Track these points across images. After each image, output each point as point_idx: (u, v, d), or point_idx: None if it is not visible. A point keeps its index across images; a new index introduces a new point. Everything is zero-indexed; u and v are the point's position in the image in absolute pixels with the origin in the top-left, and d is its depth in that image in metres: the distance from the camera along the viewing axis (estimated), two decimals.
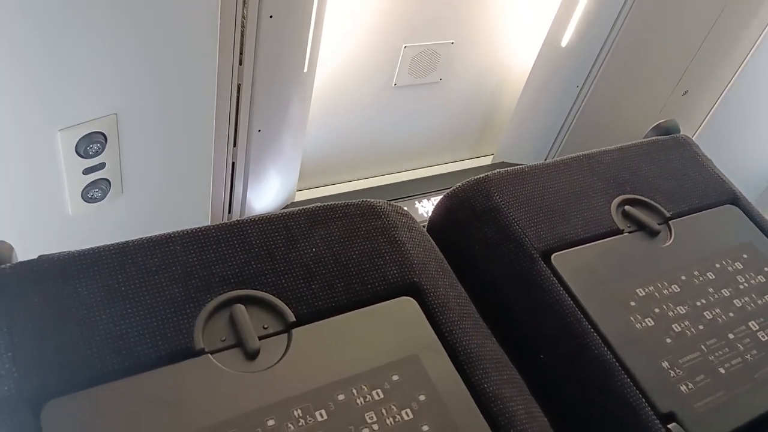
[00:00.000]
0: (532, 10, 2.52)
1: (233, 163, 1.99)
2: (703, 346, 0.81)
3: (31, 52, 1.22)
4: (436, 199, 2.67)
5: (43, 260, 0.64)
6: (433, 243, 0.84)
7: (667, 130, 1.10)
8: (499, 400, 0.68)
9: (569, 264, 0.83)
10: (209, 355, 0.63)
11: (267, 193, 2.26)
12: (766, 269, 0.93)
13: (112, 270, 0.65)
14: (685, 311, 0.83)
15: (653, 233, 0.91)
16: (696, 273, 0.89)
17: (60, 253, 0.65)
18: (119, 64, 1.37)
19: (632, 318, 0.80)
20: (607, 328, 0.78)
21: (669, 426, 0.72)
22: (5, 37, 1.17)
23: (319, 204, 0.78)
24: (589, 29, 2.41)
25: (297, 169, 2.35)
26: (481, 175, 0.90)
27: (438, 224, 0.93)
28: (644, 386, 0.74)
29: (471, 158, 2.99)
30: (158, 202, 1.74)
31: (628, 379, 0.74)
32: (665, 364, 0.77)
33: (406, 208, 0.86)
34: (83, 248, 0.66)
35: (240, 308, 0.66)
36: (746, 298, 0.88)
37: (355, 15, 2.17)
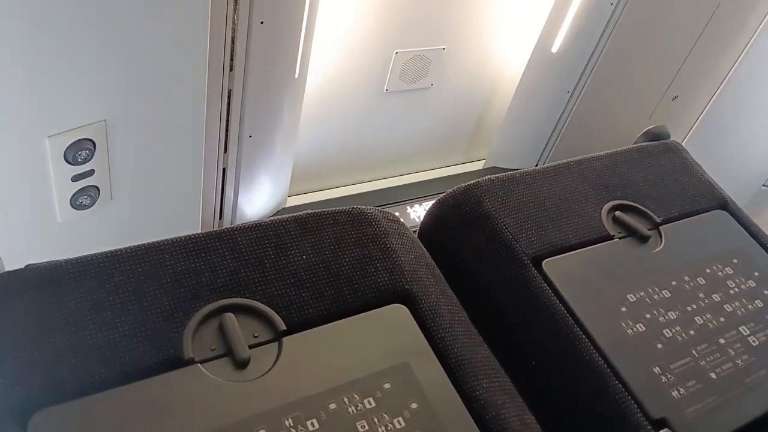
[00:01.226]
0: (523, 16, 2.53)
1: (224, 169, 1.99)
2: (694, 351, 0.81)
3: (19, 59, 1.21)
4: (427, 205, 2.68)
5: (30, 269, 0.64)
6: (424, 250, 0.84)
7: (657, 135, 1.11)
8: (492, 407, 0.68)
9: (560, 270, 0.83)
10: (199, 364, 0.62)
11: (258, 199, 2.25)
12: (756, 274, 0.94)
13: (101, 279, 0.65)
14: (676, 316, 0.83)
15: (644, 239, 0.91)
16: (686, 278, 0.89)
17: (48, 262, 0.65)
18: (108, 70, 1.36)
19: (623, 323, 0.80)
20: (599, 334, 0.78)
21: (661, 431, 0.72)
22: None
23: (309, 211, 0.78)
24: (580, 35, 2.42)
25: (288, 175, 2.34)
26: (472, 182, 0.90)
27: (429, 231, 0.93)
28: (636, 392, 0.74)
29: (462, 163, 2.99)
30: (148, 208, 1.73)
31: (620, 385, 0.74)
32: (657, 370, 0.77)
33: (397, 214, 0.86)
34: (71, 257, 0.66)
35: (230, 317, 0.66)
36: (737, 303, 0.88)
37: (346, 21, 2.18)
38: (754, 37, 2.59)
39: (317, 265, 0.73)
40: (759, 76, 2.70)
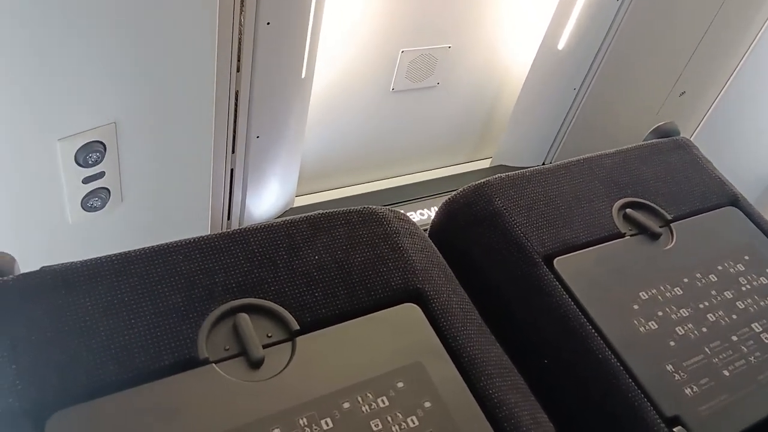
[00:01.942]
0: (529, 13, 2.53)
1: (232, 170, 1.99)
2: (706, 349, 0.80)
3: (30, 63, 1.21)
4: (434, 203, 2.68)
5: (45, 271, 0.64)
6: (435, 249, 0.84)
7: (666, 132, 1.10)
8: (505, 405, 0.68)
9: (572, 268, 0.83)
10: (213, 364, 0.63)
11: (266, 200, 2.26)
12: (767, 270, 0.93)
13: (115, 280, 0.65)
14: (688, 314, 0.83)
15: (655, 236, 0.91)
16: (698, 275, 0.88)
17: (62, 264, 0.65)
18: (117, 73, 1.37)
19: (635, 321, 0.80)
20: (611, 332, 0.78)
21: (674, 429, 0.72)
22: (3, 48, 1.16)
23: (320, 211, 0.78)
24: (586, 32, 2.42)
25: (296, 175, 2.35)
26: (482, 180, 0.90)
27: (440, 229, 0.93)
28: (649, 390, 0.74)
29: (469, 162, 2.99)
30: (158, 210, 1.74)
31: (633, 383, 0.74)
32: (669, 368, 0.77)
33: (404, 212, 0.86)
34: (85, 259, 0.66)
35: (243, 317, 0.66)
36: (749, 300, 0.88)
37: (353, 21, 2.18)
38: (761, 32, 2.58)
39: (329, 265, 0.73)
40: (767, 71, 2.69)
